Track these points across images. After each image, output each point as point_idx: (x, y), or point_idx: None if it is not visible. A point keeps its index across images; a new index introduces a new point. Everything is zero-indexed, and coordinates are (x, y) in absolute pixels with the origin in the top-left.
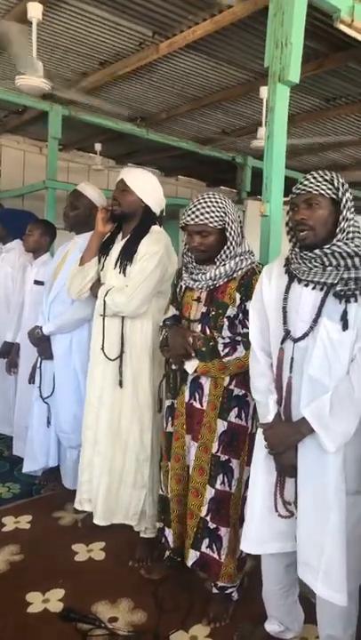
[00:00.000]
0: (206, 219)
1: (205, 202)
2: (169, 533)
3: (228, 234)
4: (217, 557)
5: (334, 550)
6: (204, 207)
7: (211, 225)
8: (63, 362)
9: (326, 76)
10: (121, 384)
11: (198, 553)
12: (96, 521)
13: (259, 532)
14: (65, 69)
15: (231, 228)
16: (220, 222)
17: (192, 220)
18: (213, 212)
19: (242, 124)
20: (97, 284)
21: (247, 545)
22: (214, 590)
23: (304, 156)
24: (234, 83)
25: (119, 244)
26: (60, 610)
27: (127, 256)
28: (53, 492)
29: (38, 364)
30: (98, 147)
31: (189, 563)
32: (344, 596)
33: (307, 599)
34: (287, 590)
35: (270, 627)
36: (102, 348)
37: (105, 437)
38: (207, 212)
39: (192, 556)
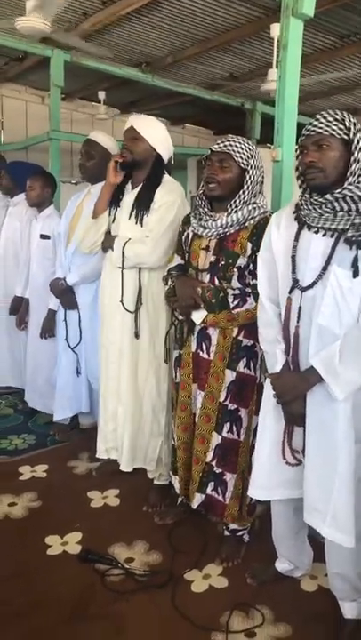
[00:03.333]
0: (233, 150)
1: (238, 138)
2: (175, 480)
3: (247, 176)
4: (221, 499)
5: (342, 496)
6: (235, 141)
7: (235, 157)
8: (91, 310)
9: (341, 10)
10: (137, 335)
11: (203, 495)
12: (123, 468)
13: (266, 479)
14: (65, 10)
15: (252, 173)
16: (244, 161)
17: (219, 147)
18: (242, 148)
19: (252, 67)
20: (108, 236)
21: (255, 491)
22: (226, 533)
23: (316, 100)
24: (243, 20)
25: (130, 195)
26: (79, 552)
27: (143, 205)
28: (68, 443)
29: (63, 315)
30: (102, 95)
31: (194, 505)
32: (352, 538)
33: (315, 539)
34: (296, 532)
35: (281, 565)
36: (121, 301)
37: (127, 388)
38: (236, 146)
39: (197, 499)
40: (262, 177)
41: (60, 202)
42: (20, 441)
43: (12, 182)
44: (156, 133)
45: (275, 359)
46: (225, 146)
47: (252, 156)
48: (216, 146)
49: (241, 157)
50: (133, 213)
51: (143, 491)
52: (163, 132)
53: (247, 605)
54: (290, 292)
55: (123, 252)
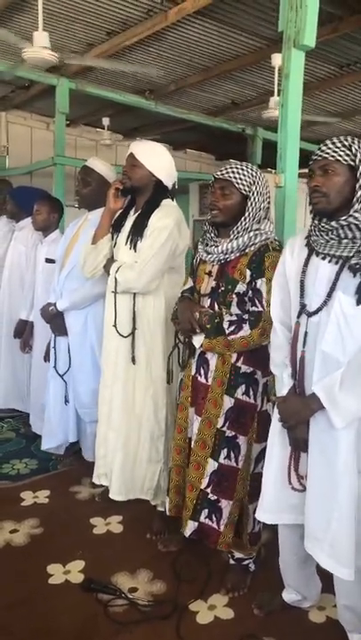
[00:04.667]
0: (234, 177)
1: (241, 165)
2: (167, 501)
3: (249, 203)
4: (215, 527)
5: (341, 526)
6: (237, 167)
7: (236, 184)
8: (80, 338)
9: (341, 40)
10: (134, 360)
11: (197, 523)
12: (112, 496)
13: (274, 503)
14: (71, 41)
15: (254, 199)
16: (246, 188)
17: (221, 174)
18: (245, 175)
19: (253, 95)
20: (110, 261)
21: (263, 514)
22: (231, 561)
23: (316, 126)
24: (245, 51)
25: (131, 220)
26: (81, 581)
27: (138, 231)
28: (70, 468)
29: (52, 342)
30: (106, 121)
31: (187, 533)
32: (351, 572)
33: (325, 570)
34: (304, 561)
35: (288, 596)
36: (115, 325)
37: (118, 413)
38: (237, 172)
39: (190, 527)
40: (268, 202)
41: (64, 226)
42: (22, 466)
43: (16, 207)
44: (156, 159)
45: (282, 383)
46: (227, 173)
47: (254, 182)
48: (219, 173)
49: (242, 184)
50: (129, 239)
51: (146, 517)
52: (164, 157)
53: (254, 637)
54: (298, 317)
55: (115, 277)
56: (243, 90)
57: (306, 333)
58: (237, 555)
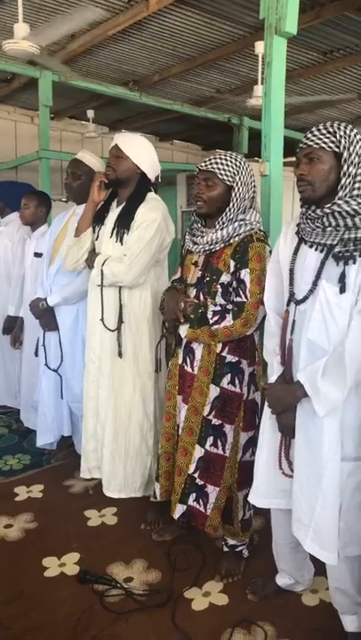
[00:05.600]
0: (217, 168)
1: (224, 155)
2: (157, 486)
3: (233, 193)
4: (203, 510)
5: (324, 512)
6: (220, 158)
7: (219, 175)
8: (71, 333)
9: (323, 27)
10: (120, 354)
11: (185, 506)
12: (105, 492)
13: (265, 488)
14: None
15: (239, 190)
16: (230, 178)
17: (205, 165)
18: (228, 165)
19: (237, 84)
20: (92, 254)
21: (255, 499)
22: (225, 549)
23: (301, 114)
24: (228, 39)
25: (114, 212)
26: (77, 572)
27: (124, 224)
28: (63, 462)
29: (42, 338)
30: (90, 113)
31: (176, 516)
32: (335, 556)
33: None
34: (296, 545)
35: (281, 580)
36: (101, 319)
37: (106, 408)
38: (220, 163)
39: (179, 510)
40: (253, 192)
41: (50, 220)
42: (15, 461)
43: (1, 202)
44: (141, 151)
45: (272, 370)
46: (210, 164)
47: (238, 172)
48: (203, 164)
49: (226, 175)
50: (114, 232)
51: (140, 508)
52: (148, 149)
53: (249, 622)
54: (288, 305)
55: (101, 271)
56: (227, 79)
57: (294, 321)
58: (231, 541)
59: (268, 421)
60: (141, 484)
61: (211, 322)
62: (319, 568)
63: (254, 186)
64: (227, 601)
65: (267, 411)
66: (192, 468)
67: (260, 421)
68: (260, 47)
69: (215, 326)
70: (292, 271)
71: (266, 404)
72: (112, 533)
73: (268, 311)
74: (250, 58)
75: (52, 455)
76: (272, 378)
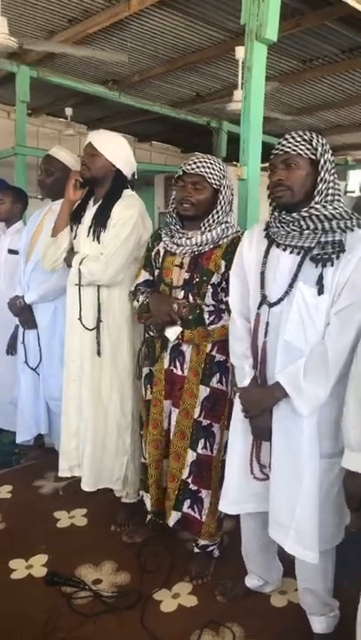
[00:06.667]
0: (206, 172)
1: (209, 158)
2: (147, 498)
3: (220, 197)
4: (198, 517)
5: (306, 511)
6: (206, 161)
7: (208, 179)
8: (49, 331)
9: (303, 35)
10: (99, 353)
11: (180, 514)
12: (84, 487)
13: (236, 494)
14: (31, 27)
15: (225, 193)
16: (217, 182)
17: (192, 168)
18: (214, 169)
19: (217, 87)
20: (71, 253)
21: (225, 505)
22: (196, 550)
23: (279, 120)
24: (209, 43)
25: (91, 211)
26: (44, 574)
27: (100, 222)
28: (34, 462)
29: (21, 336)
30: (68, 111)
31: (171, 523)
32: (316, 554)
33: (286, 555)
34: (265, 547)
35: (250, 581)
36: (79, 319)
37: (88, 406)
38: (208, 167)
39: (174, 517)
40: (232, 195)
41: (25, 216)
42: None
43: None
44: (115, 149)
45: (243, 374)
46: (198, 167)
47: (223, 176)
48: (189, 167)
49: (214, 178)
50: (91, 230)
51: (111, 510)
52: (122, 146)
53: (217, 623)
54: (258, 308)
55: (79, 270)
56: (207, 82)
57: (267, 324)
58: (202, 542)
59: (239, 426)
60: (118, 479)
61: (207, 322)
62: (287, 569)
63: (233, 190)
64: (196, 602)
65: (237, 416)
66: (185, 473)
67: None
68: (240, 52)
69: (212, 326)
70: (263, 274)
71: (237, 408)
72: (81, 535)
73: (234, 315)
74: (230, 62)
75: (22, 455)
76: (245, 382)
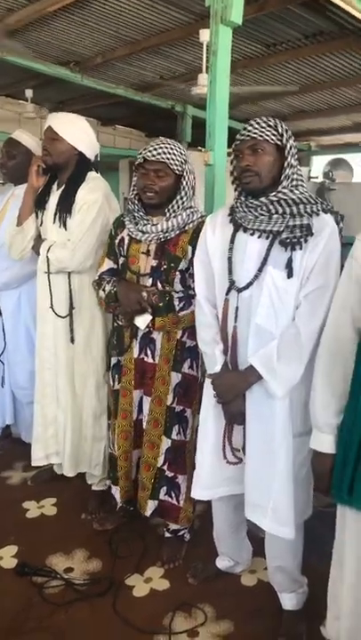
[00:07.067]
0: (168, 158)
1: (170, 144)
2: (116, 490)
3: (184, 182)
4: (176, 503)
5: (282, 490)
6: (167, 147)
7: (171, 166)
8: (13, 318)
9: (267, 19)
10: (73, 340)
11: (157, 502)
12: (66, 472)
13: (209, 479)
14: None
15: (187, 178)
16: (179, 168)
17: (153, 155)
18: (176, 154)
19: (181, 71)
20: (38, 240)
21: (198, 492)
22: (167, 534)
23: (243, 105)
24: (173, 25)
25: (55, 196)
26: (14, 566)
27: (65, 208)
28: (0, 453)
29: None
30: (29, 93)
31: (148, 512)
32: (292, 530)
33: (255, 535)
34: (236, 529)
35: (221, 563)
36: (51, 307)
37: (65, 393)
38: (170, 153)
39: (150, 506)
40: (195, 179)
41: None
42: None
43: None
44: (76, 131)
45: (214, 360)
46: (159, 154)
47: (185, 161)
48: (150, 154)
49: (176, 164)
50: (57, 216)
51: (81, 498)
52: (84, 129)
53: (189, 605)
54: (227, 293)
55: (47, 257)
56: (172, 65)
57: (237, 308)
58: (173, 526)
59: (211, 412)
60: (97, 464)
61: (177, 308)
62: (257, 549)
63: (194, 174)
64: (168, 586)
65: (209, 401)
66: (161, 460)
67: None
68: (204, 35)
69: (182, 312)
70: (230, 259)
71: (208, 394)
72: (52, 524)
73: (201, 302)
74: (195, 45)
75: None
76: (216, 367)
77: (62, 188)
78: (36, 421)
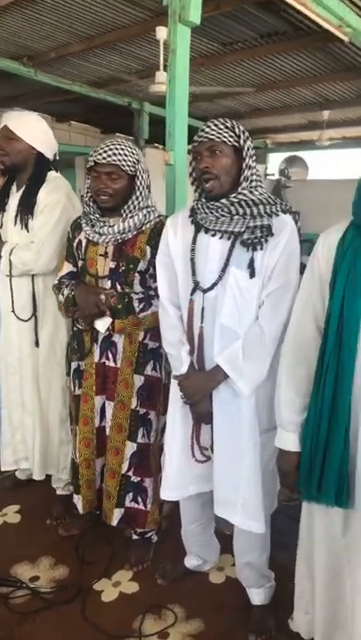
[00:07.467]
0: (120, 160)
1: (120, 144)
2: (78, 500)
3: (138, 182)
4: (143, 508)
5: (251, 485)
6: (118, 148)
7: (123, 167)
8: None
9: (223, 18)
10: (37, 344)
11: (122, 510)
12: (35, 476)
13: (177, 479)
14: None
15: (142, 178)
16: (132, 168)
17: (104, 158)
18: (128, 155)
19: (138, 68)
20: None
21: (167, 493)
22: (134, 537)
23: (199, 102)
24: (128, 21)
25: (15, 197)
26: None
27: (26, 209)
28: None
29: None
30: None
31: (114, 522)
32: (262, 525)
33: (222, 533)
34: (204, 527)
35: (189, 562)
36: (12, 311)
37: (31, 398)
38: (121, 154)
39: (117, 515)
40: (149, 178)
41: None
42: None
43: None
44: (33, 130)
45: (180, 361)
46: (110, 157)
47: (138, 160)
48: (100, 157)
49: (128, 165)
50: (18, 218)
51: (46, 503)
52: (41, 127)
53: (159, 606)
54: (192, 294)
55: (10, 260)
56: (128, 62)
57: (203, 309)
58: (140, 529)
59: (178, 412)
60: (64, 468)
61: (137, 310)
62: (223, 546)
63: (149, 172)
64: (137, 588)
65: (176, 402)
66: (125, 467)
67: None
68: (160, 32)
69: (142, 314)
70: (192, 260)
71: (175, 395)
72: (15, 532)
73: (165, 303)
74: (151, 42)
75: None
76: (182, 368)
77: (22, 188)
78: (3, 426)
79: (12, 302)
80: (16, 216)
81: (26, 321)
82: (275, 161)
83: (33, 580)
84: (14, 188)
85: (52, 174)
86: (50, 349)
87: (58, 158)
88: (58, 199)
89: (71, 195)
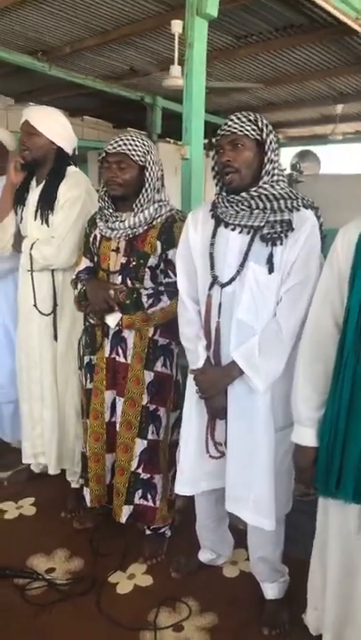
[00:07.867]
0: (128, 150)
1: (131, 136)
2: (87, 492)
3: (147, 173)
4: (152, 504)
5: (264, 482)
6: (128, 139)
7: (132, 157)
8: None
9: (238, 11)
10: (56, 338)
11: (131, 506)
12: (50, 471)
13: (191, 474)
14: None
15: (152, 169)
16: (142, 159)
17: (113, 148)
18: (137, 146)
19: (152, 62)
20: (18, 237)
21: (182, 487)
22: (148, 531)
23: (211, 97)
24: (143, 15)
25: (35, 192)
26: None
27: (47, 205)
28: None
29: None
30: None
31: (123, 519)
32: (273, 522)
33: (236, 527)
34: (218, 522)
35: (203, 556)
36: (35, 305)
37: (50, 391)
38: (130, 144)
39: (125, 512)
40: (162, 171)
41: None
42: None
43: None
44: (54, 125)
45: (196, 356)
46: (119, 146)
47: (148, 151)
48: (110, 147)
49: (137, 155)
50: (38, 213)
51: (60, 496)
52: (61, 122)
53: (173, 599)
54: (210, 289)
55: (30, 255)
56: (142, 56)
57: (220, 304)
58: (153, 525)
59: (194, 408)
60: (79, 462)
61: (146, 305)
62: (238, 540)
63: (162, 165)
64: (151, 581)
65: (192, 397)
66: (134, 464)
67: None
68: (176, 26)
69: (151, 309)
70: (212, 255)
71: (190, 390)
72: (31, 525)
73: (184, 298)
74: (166, 36)
75: None
76: (199, 363)
77: (42, 183)
78: (24, 419)
79: (34, 297)
80: (36, 211)
81: (47, 315)
82: (287, 155)
83: (49, 571)
84: (34, 182)
85: (71, 169)
86: (68, 343)
87: (77, 153)
88: (78, 195)
89: (91, 190)
